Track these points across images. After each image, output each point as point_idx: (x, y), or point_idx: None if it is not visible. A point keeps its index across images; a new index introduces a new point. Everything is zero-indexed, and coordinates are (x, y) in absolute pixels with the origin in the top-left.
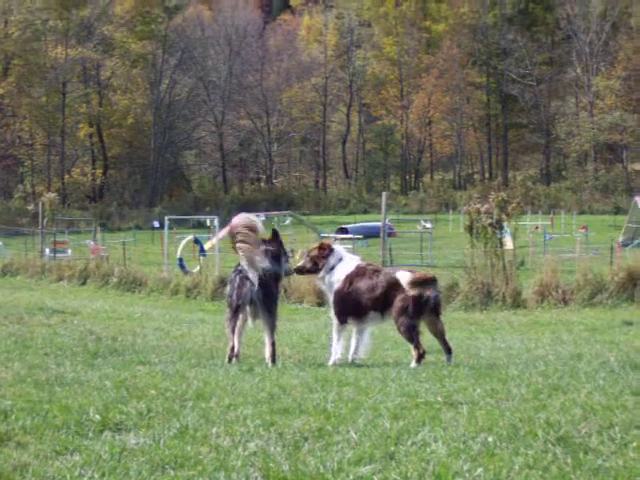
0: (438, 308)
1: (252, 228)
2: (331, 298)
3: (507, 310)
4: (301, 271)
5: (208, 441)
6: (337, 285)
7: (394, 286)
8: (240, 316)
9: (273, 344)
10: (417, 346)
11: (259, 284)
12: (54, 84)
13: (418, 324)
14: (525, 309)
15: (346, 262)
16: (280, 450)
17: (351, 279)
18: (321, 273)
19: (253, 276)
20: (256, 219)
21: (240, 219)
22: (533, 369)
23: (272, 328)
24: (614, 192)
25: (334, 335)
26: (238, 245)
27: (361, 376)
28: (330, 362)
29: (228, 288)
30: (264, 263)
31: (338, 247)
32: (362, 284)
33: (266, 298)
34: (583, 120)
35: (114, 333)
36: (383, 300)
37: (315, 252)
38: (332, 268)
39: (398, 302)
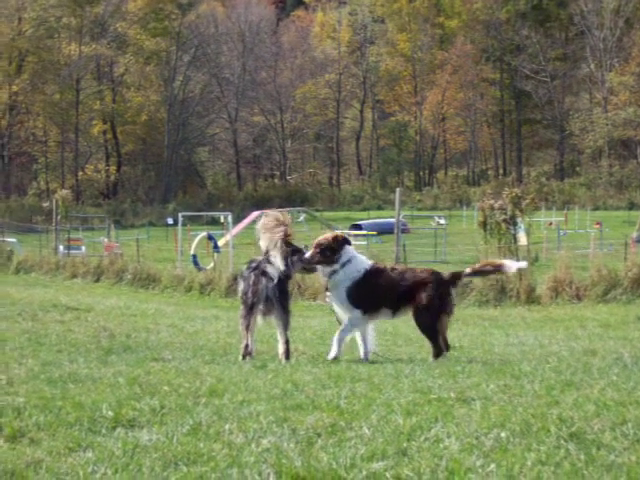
0: (453, 309)
1: (281, 224)
2: (343, 292)
3: (521, 306)
4: (310, 262)
5: (221, 437)
6: (352, 281)
7: (420, 284)
8: (255, 314)
9: (287, 341)
10: (437, 344)
11: (276, 282)
12: (68, 81)
13: (439, 323)
14: (539, 305)
15: (360, 257)
16: (293, 446)
17: (370, 274)
18: (335, 266)
19: (273, 272)
20: (284, 215)
21: (270, 217)
22: (546, 365)
23: (286, 325)
24: (628, 188)
25: (343, 333)
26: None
27: (374, 372)
28: (331, 355)
29: (242, 285)
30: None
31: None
32: (382, 280)
33: (281, 295)
34: (597, 116)
35: (128, 330)
36: (402, 298)
37: (329, 242)
38: (347, 262)
39: (424, 300)
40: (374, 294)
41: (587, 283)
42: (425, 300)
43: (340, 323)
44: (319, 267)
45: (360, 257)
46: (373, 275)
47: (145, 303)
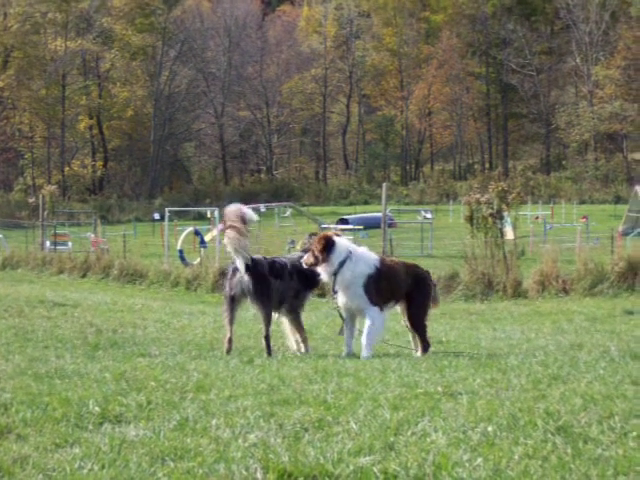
0: None
1: (241, 217)
2: (360, 290)
3: (508, 300)
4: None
5: (208, 433)
6: (365, 277)
7: (418, 279)
8: (236, 307)
9: (267, 337)
10: (426, 338)
11: (252, 275)
12: (54, 76)
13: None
14: (526, 299)
15: (362, 253)
16: (280, 441)
17: (382, 268)
18: (330, 267)
19: (240, 263)
20: (247, 209)
21: (231, 209)
22: (533, 359)
23: (265, 320)
24: (614, 181)
25: (371, 336)
26: (226, 232)
27: (361, 367)
28: (367, 354)
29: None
30: (247, 251)
31: (340, 239)
32: (394, 274)
33: (258, 288)
34: (583, 110)
35: (114, 325)
36: (404, 291)
37: (315, 244)
38: (346, 259)
39: (421, 294)
40: (389, 288)
41: (574, 277)
42: (423, 295)
43: (343, 320)
44: (320, 270)
45: (362, 252)
46: (385, 269)
47: (132, 298)
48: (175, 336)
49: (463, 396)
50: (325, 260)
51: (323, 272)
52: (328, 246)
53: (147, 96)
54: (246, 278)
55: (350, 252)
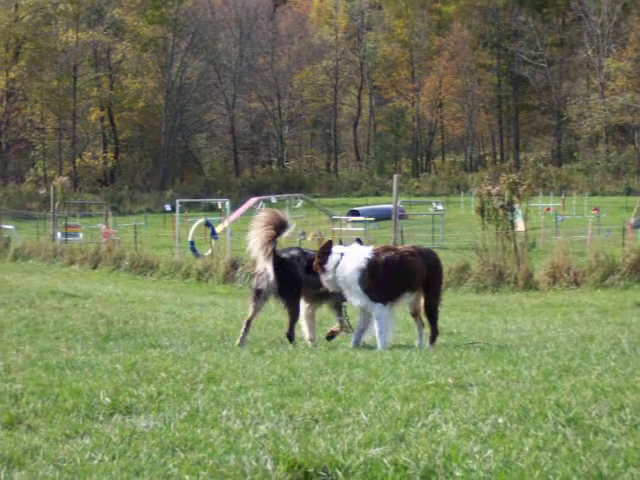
0: None
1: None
2: (355, 287)
3: (519, 292)
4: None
5: (218, 424)
6: (358, 274)
7: (432, 266)
8: (262, 300)
9: (289, 336)
10: (437, 327)
11: (278, 272)
12: (65, 68)
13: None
14: (537, 291)
15: (354, 251)
16: (290, 432)
17: (375, 262)
18: (328, 275)
19: (267, 264)
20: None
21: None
22: (544, 351)
23: (290, 316)
24: (626, 173)
25: (384, 327)
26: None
27: (372, 358)
28: (382, 347)
29: None
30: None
31: (334, 249)
32: (394, 266)
33: (282, 285)
34: (594, 102)
35: (125, 316)
36: (419, 280)
37: (319, 252)
38: (339, 262)
39: (436, 282)
40: (392, 278)
41: (585, 269)
42: (438, 283)
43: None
44: (323, 281)
45: (352, 251)
46: (381, 260)
47: (143, 290)
48: (186, 327)
49: (474, 388)
50: (324, 271)
51: (325, 283)
52: (324, 257)
53: (158, 87)
54: (272, 275)
55: (342, 254)
